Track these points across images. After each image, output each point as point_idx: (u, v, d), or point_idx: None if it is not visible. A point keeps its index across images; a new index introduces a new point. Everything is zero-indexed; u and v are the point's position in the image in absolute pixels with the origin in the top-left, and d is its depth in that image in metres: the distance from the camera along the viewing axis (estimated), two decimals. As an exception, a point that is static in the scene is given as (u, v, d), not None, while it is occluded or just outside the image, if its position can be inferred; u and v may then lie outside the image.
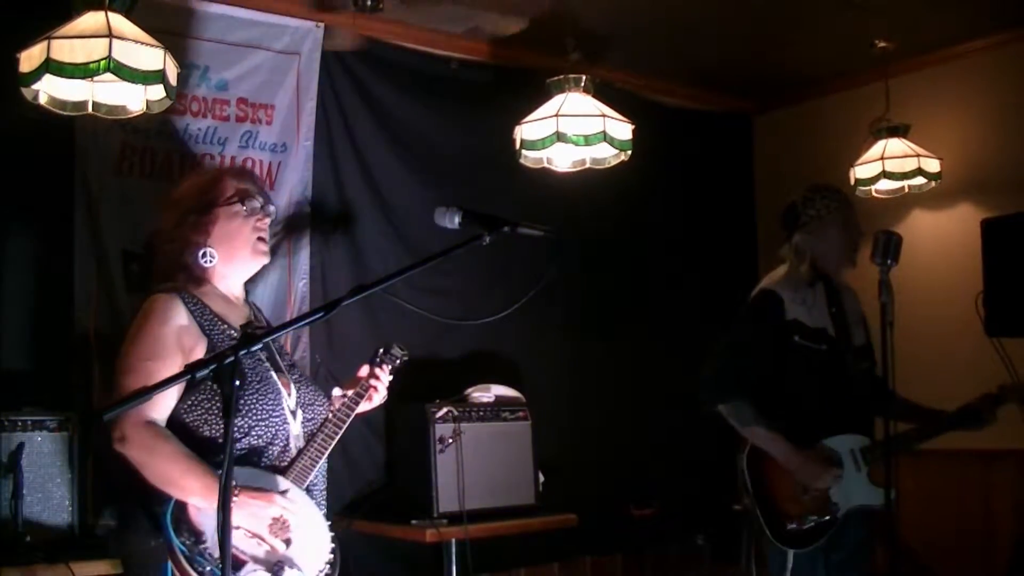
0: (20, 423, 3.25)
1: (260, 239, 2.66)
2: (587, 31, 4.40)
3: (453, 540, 3.88)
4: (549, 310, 4.74)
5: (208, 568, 2.30)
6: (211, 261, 2.58)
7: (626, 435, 5.02)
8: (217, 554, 2.25)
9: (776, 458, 3.39)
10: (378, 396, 2.76)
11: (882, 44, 4.73)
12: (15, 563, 3.08)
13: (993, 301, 3.98)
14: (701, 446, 4.68)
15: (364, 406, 2.74)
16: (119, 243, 3.73)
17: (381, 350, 2.77)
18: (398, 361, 2.78)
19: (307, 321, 2.24)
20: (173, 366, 2.37)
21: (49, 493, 3.28)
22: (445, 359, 4.44)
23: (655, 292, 5.30)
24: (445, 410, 3.97)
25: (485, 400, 4.18)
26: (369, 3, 3.92)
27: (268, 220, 2.69)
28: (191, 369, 1.92)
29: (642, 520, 4.92)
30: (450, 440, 3.94)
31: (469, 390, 4.21)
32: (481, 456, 4.01)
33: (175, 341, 2.44)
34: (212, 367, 1.89)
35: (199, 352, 2.45)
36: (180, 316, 2.48)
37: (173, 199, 2.69)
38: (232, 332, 2.54)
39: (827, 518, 3.37)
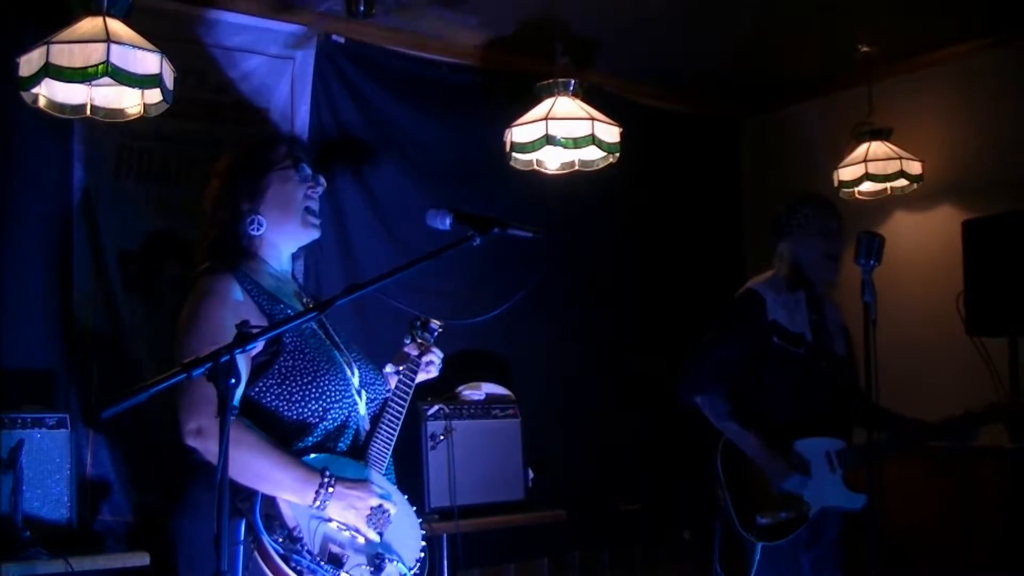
0: (20, 420, 3.28)
1: (310, 210, 2.54)
2: (576, 36, 4.47)
3: (444, 535, 3.93)
4: (539, 310, 4.77)
5: (306, 564, 2.18)
6: (259, 229, 2.47)
7: (614, 432, 5.07)
8: (315, 549, 2.20)
9: (747, 453, 3.46)
10: (435, 368, 2.68)
11: (865, 49, 4.77)
12: (15, 558, 3.11)
13: (973, 301, 4.06)
14: (688, 442, 4.73)
15: (420, 377, 2.66)
16: (117, 244, 3.78)
17: (418, 323, 2.67)
18: (437, 334, 2.68)
19: (302, 320, 2.25)
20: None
21: (48, 489, 3.31)
22: (436, 358, 4.48)
23: (643, 292, 5.35)
24: (436, 408, 4.01)
25: (476, 398, 4.22)
26: (362, 9, 3.97)
27: (319, 190, 2.57)
28: (187, 367, 1.84)
29: (630, 515, 4.99)
30: (441, 437, 3.99)
31: (460, 388, 4.25)
32: (472, 453, 4.06)
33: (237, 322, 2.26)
34: (208, 365, 1.85)
35: None
36: (237, 294, 2.34)
37: (222, 165, 2.56)
38: (288, 310, 2.42)
39: (798, 516, 3.42)
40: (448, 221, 2.34)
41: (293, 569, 2.17)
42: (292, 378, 2.36)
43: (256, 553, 2.19)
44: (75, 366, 3.68)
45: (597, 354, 5.14)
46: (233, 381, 1.85)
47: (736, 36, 4.80)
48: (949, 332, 4.18)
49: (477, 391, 4.26)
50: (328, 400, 2.37)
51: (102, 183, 3.78)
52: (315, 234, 2.57)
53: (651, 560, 5.11)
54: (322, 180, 2.59)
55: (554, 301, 4.89)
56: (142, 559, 3.32)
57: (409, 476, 3.91)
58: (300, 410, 2.35)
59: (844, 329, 3.71)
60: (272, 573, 2.17)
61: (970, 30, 4.76)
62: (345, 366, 2.47)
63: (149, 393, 1.83)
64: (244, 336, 1.95)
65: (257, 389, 2.33)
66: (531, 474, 4.25)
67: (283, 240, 2.54)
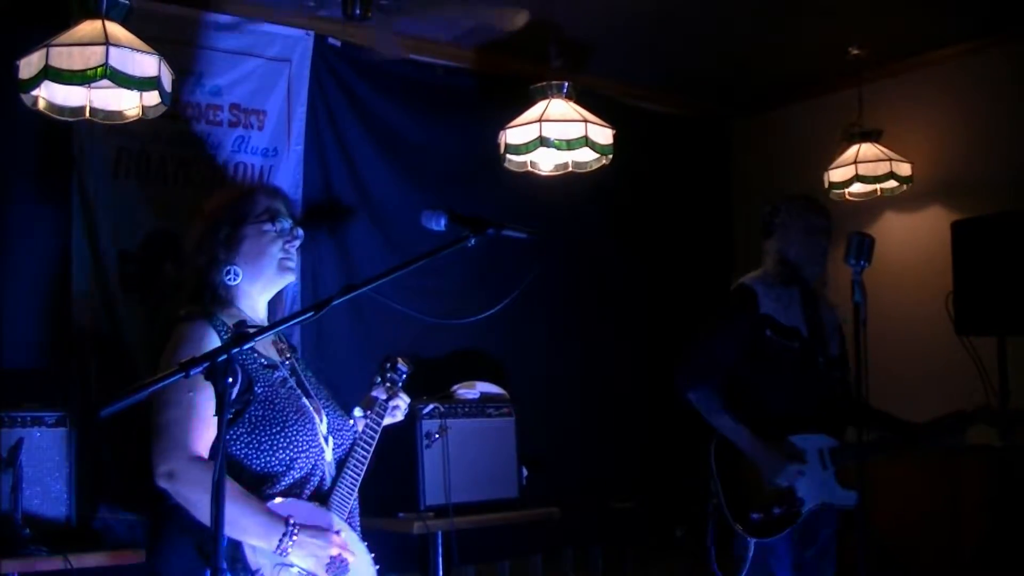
0: (19, 419, 3.31)
1: (286, 259, 2.59)
2: (569, 39, 4.50)
3: (439, 532, 3.95)
4: (533, 310, 4.81)
5: None
6: (235, 279, 2.52)
7: (607, 430, 5.10)
8: None
9: (741, 448, 3.49)
10: (401, 413, 2.76)
11: (856, 51, 4.82)
12: (15, 555, 3.14)
13: (962, 301, 4.07)
14: (680, 440, 4.77)
15: (386, 421, 2.72)
16: (115, 244, 3.81)
17: (388, 364, 2.74)
18: (405, 376, 2.75)
19: (298, 320, 2.27)
20: (214, 396, 2.04)
21: (47, 487, 3.34)
22: (431, 357, 4.50)
23: (635, 292, 5.39)
24: (432, 407, 4.02)
25: (470, 397, 4.23)
26: (358, 12, 4.00)
27: (297, 243, 2.61)
28: (185, 367, 1.87)
29: (623, 513, 5.01)
30: (436, 436, 4.01)
31: (455, 387, 4.27)
32: (466, 451, 4.08)
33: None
34: (205, 365, 1.87)
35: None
36: (214, 343, 2.37)
37: (203, 212, 2.62)
38: (262, 360, 2.48)
39: (791, 511, 3.45)
40: (443, 222, 2.36)
41: None
42: (261, 428, 2.40)
43: None
44: (74, 365, 3.71)
45: (589, 353, 5.17)
46: (231, 380, 1.87)
47: (727, 38, 4.84)
48: (938, 332, 4.21)
49: (472, 390, 4.28)
50: (295, 450, 2.42)
51: (101, 184, 3.81)
52: (290, 277, 2.61)
53: (644, 557, 5.14)
54: (300, 233, 2.62)
55: (547, 301, 4.92)
56: (140, 556, 3.35)
57: (404, 474, 3.99)
58: (267, 459, 2.40)
59: (840, 329, 3.75)
60: None
61: (960, 32, 4.80)
62: (314, 413, 2.52)
63: (148, 392, 1.86)
64: (242, 336, 1.98)
65: (229, 437, 2.36)
66: (525, 472, 4.27)
67: (258, 290, 2.58)
